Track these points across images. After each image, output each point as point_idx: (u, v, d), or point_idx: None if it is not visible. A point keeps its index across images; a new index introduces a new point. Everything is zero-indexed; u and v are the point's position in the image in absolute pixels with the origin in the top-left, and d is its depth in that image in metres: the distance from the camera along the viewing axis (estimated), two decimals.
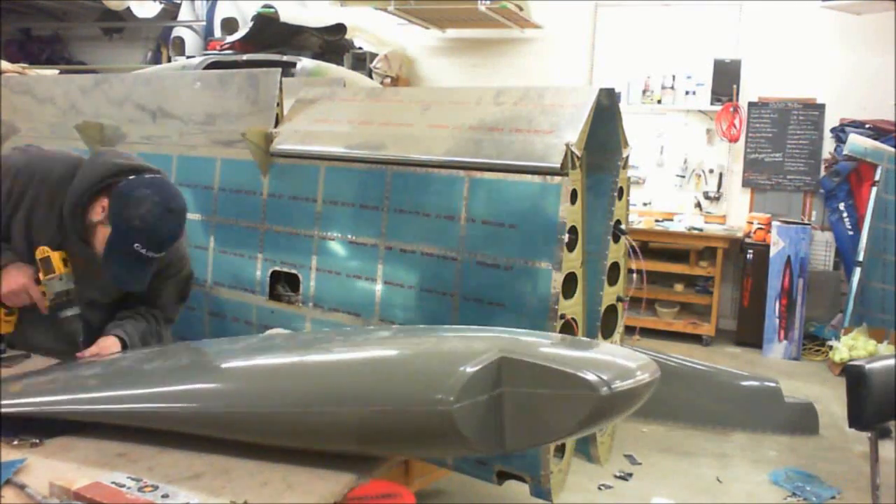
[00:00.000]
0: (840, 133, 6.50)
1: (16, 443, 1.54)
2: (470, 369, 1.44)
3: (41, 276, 2.13)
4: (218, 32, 7.84)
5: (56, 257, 2.13)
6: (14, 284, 2.13)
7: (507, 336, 1.74)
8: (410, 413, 1.45)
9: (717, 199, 7.06)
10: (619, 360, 1.59)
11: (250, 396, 1.62)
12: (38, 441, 1.55)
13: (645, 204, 7.12)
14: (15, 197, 2.20)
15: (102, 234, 2.10)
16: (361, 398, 1.52)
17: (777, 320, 6.25)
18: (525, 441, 1.48)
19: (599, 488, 3.64)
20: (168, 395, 1.67)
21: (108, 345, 2.17)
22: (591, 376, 1.42)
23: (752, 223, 6.65)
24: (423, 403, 1.44)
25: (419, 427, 1.46)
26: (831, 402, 4.82)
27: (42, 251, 2.13)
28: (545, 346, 1.65)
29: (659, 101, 7.09)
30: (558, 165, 2.46)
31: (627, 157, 2.87)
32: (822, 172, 6.67)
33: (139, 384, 1.76)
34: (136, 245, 2.03)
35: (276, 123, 3.18)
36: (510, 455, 2.66)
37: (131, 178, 2.13)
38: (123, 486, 1.33)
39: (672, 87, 7.04)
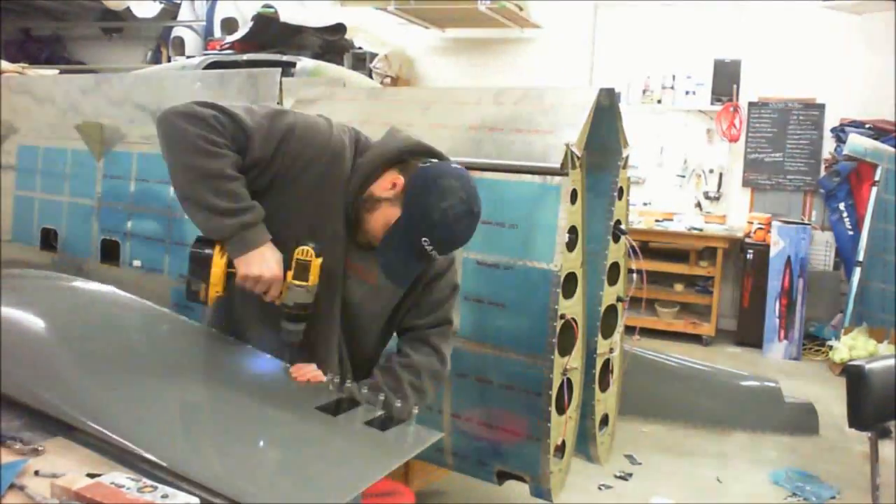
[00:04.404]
0: (840, 133, 6.50)
1: (17, 446, 1.54)
2: None
3: (289, 276, 1.79)
4: (218, 32, 7.83)
5: (316, 266, 1.78)
6: (266, 271, 1.75)
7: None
8: None
9: (717, 198, 7.06)
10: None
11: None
12: (40, 448, 1.54)
13: (645, 204, 7.11)
14: (303, 156, 1.83)
15: (385, 216, 1.79)
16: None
17: (777, 320, 6.25)
18: None
19: (599, 488, 3.64)
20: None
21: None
22: None
23: (752, 223, 6.65)
24: None
25: None
26: (831, 402, 4.81)
27: (304, 252, 1.77)
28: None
29: (659, 101, 7.08)
30: (558, 165, 2.47)
31: (627, 157, 2.87)
32: (822, 172, 6.67)
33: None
34: (423, 239, 1.73)
35: None
36: (506, 454, 2.66)
37: (434, 161, 1.85)
38: (123, 486, 1.33)
39: (672, 87, 7.03)
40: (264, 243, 1.78)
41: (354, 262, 1.90)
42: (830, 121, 6.67)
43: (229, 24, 7.78)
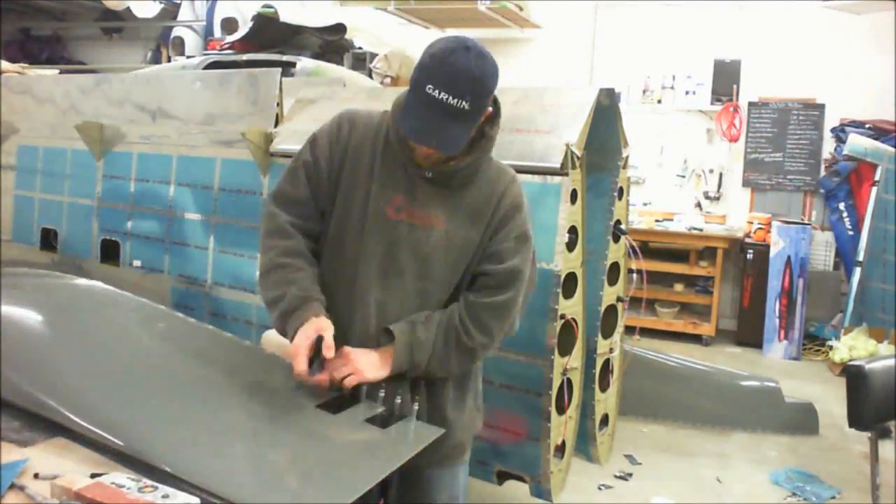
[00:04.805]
0: (840, 133, 6.50)
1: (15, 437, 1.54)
2: None
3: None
4: (218, 32, 7.83)
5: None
6: (293, 343, 1.74)
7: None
8: None
9: (717, 199, 7.06)
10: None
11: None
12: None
13: (645, 204, 7.11)
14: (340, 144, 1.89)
15: None
16: None
17: (777, 320, 6.25)
18: None
19: (599, 488, 3.64)
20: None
21: (358, 368, 1.76)
22: None
23: (752, 223, 6.65)
24: None
25: None
26: (831, 402, 4.82)
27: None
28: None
29: (659, 101, 7.08)
30: (558, 165, 2.47)
31: (627, 157, 2.87)
32: (822, 172, 6.67)
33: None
34: (428, 87, 1.66)
35: (276, 123, 3.18)
36: (506, 454, 2.66)
37: None
38: (123, 486, 1.33)
39: (672, 87, 7.03)
40: (297, 328, 1.76)
41: (419, 209, 1.84)
42: (830, 121, 6.67)
43: (229, 24, 7.78)
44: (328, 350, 1.72)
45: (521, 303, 1.92)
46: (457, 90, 1.66)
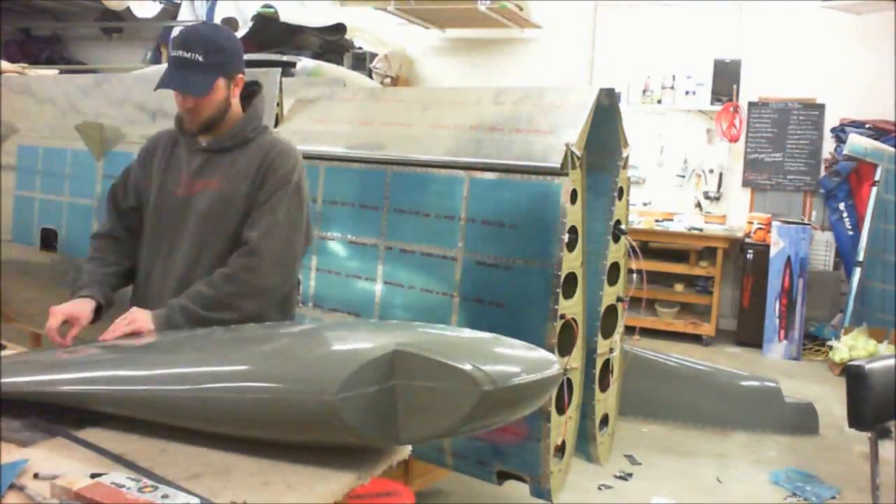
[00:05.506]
0: (840, 133, 6.49)
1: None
2: (358, 361, 1.46)
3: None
4: None
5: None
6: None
7: (417, 329, 1.77)
8: (296, 400, 1.48)
9: (717, 199, 7.05)
10: (516, 358, 1.58)
11: (147, 378, 1.68)
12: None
13: (645, 204, 7.11)
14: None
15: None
16: (252, 385, 1.57)
17: (777, 320, 6.25)
18: (418, 433, 1.50)
19: (599, 488, 3.64)
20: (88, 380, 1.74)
21: (136, 318, 2.02)
22: (473, 371, 1.42)
23: (752, 223, 6.65)
24: (309, 392, 1.47)
25: (304, 414, 1.48)
26: (831, 402, 4.82)
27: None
28: (448, 341, 1.66)
29: (659, 101, 7.08)
30: (558, 165, 2.47)
31: (627, 157, 2.87)
32: (822, 172, 6.67)
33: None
34: (171, 52, 2.10)
35: (276, 123, 3.18)
36: (506, 454, 2.66)
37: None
38: (123, 486, 1.33)
39: (672, 87, 7.03)
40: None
41: (198, 179, 2.17)
42: (830, 121, 6.66)
43: (229, 24, 7.78)
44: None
45: (280, 248, 2.12)
46: (188, 46, 2.07)
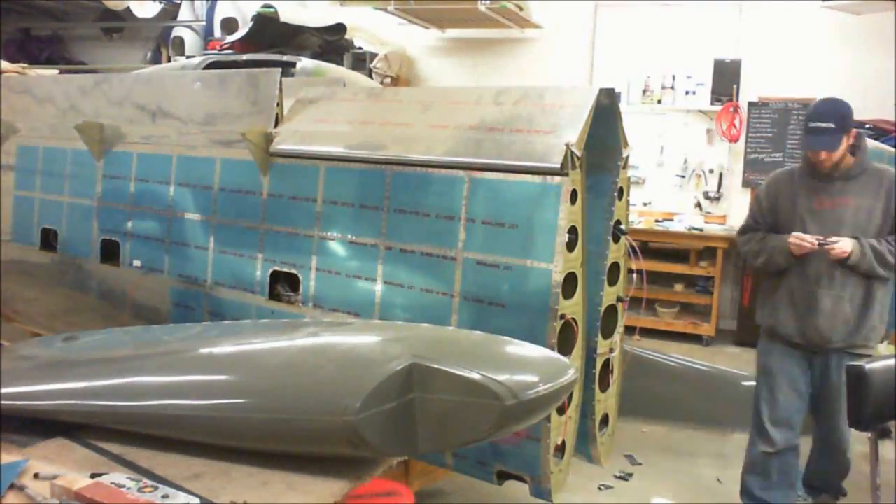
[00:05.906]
0: None
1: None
2: (376, 378, 1.46)
3: None
4: (218, 32, 7.84)
5: None
6: None
7: (428, 336, 1.77)
8: (315, 421, 1.48)
9: (717, 199, 7.05)
10: (533, 365, 1.58)
11: (161, 393, 1.67)
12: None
13: (645, 204, 7.11)
14: None
15: None
16: (269, 405, 1.55)
17: None
18: (438, 444, 1.50)
19: (599, 488, 3.64)
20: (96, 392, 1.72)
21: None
22: (497, 387, 1.42)
23: None
24: (328, 413, 1.47)
25: (324, 434, 1.48)
26: None
27: None
28: (462, 349, 1.65)
29: (659, 101, 7.08)
30: (558, 165, 2.46)
31: (627, 157, 2.86)
32: None
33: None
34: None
35: (276, 123, 3.18)
36: (506, 454, 2.66)
37: None
38: (123, 486, 1.33)
39: (672, 87, 7.03)
40: None
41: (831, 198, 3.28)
42: None
43: (229, 24, 7.79)
44: None
45: None
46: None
